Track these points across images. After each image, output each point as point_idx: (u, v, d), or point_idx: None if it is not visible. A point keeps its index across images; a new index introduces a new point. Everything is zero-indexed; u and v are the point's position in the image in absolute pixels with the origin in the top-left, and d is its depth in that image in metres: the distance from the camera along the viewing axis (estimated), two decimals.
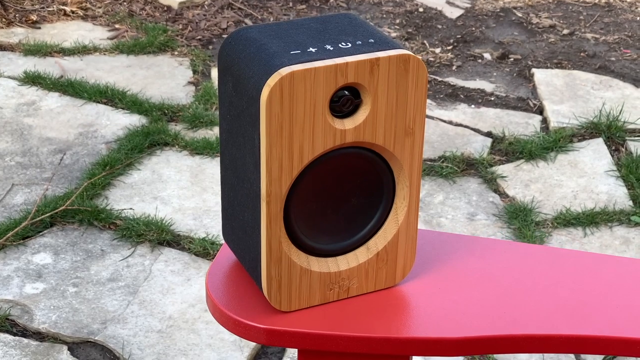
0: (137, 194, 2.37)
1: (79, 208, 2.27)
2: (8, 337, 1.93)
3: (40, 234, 2.23)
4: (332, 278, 0.95)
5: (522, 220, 2.30)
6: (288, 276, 0.93)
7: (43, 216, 2.24)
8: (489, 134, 2.67)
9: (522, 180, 2.47)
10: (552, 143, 2.58)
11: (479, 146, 2.60)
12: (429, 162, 2.52)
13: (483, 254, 1.04)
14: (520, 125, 2.72)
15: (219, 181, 2.42)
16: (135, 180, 2.42)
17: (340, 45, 0.89)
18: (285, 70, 0.85)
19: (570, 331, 0.92)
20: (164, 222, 2.24)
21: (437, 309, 0.96)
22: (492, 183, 2.45)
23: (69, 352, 1.90)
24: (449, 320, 0.94)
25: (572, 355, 1.92)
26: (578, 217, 2.32)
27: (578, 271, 1.01)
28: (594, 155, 2.57)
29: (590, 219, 2.32)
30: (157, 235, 2.20)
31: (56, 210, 2.25)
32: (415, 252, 0.97)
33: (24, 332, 1.96)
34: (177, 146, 2.56)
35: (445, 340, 0.92)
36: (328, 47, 0.89)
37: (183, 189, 2.39)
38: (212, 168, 2.47)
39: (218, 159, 2.51)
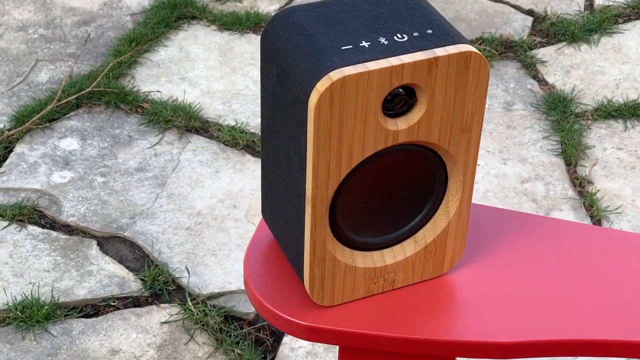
0: (164, 74, 2.30)
1: (105, 90, 2.21)
2: (37, 230, 1.92)
3: (67, 116, 2.18)
4: (377, 272, 0.91)
5: (561, 112, 2.23)
6: (332, 274, 0.88)
7: (69, 98, 2.18)
8: (530, 12, 2.55)
9: (562, 66, 2.37)
10: (596, 25, 2.47)
11: (519, 26, 2.49)
12: None
13: (538, 235, 0.98)
14: (564, 2, 2.59)
15: (248, 61, 2.34)
16: (162, 57, 2.35)
17: (395, 37, 0.81)
18: (336, 75, 0.77)
19: (633, 337, 0.88)
20: (192, 107, 2.19)
21: (486, 306, 0.91)
22: (531, 68, 2.36)
23: (98, 247, 1.89)
24: (497, 321, 0.90)
25: None
26: (619, 108, 2.25)
27: None
28: (639, 39, 2.46)
29: (632, 111, 2.24)
30: (185, 121, 2.15)
31: (82, 92, 2.19)
32: (465, 242, 0.92)
33: (52, 224, 1.94)
34: (205, 20, 2.47)
35: (493, 344, 0.88)
36: (382, 40, 0.81)
37: (211, 69, 2.32)
38: (241, 46, 2.39)
39: (247, 36, 2.43)
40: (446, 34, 0.82)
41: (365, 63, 0.78)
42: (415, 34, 0.82)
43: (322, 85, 0.77)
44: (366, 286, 0.91)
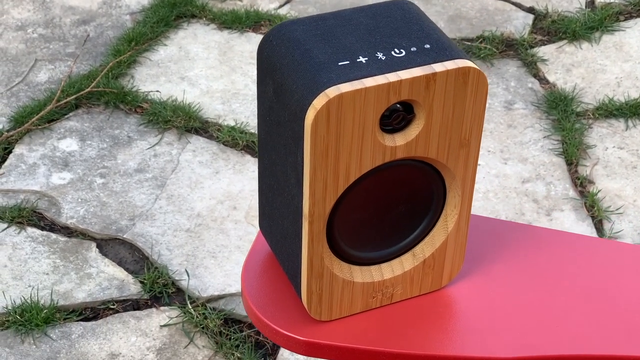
0: (164, 74, 2.29)
1: (105, 90, 2.20)
2: (36, 232, 1.91)
3: (66, 116, 2.17)
4: (375, 287, 0.90)
5: (562, 111, 2.22)
6: (329, 289, 0.88)
7: (68, 98, 2.17)
8: (531, 10, 2.54)
9: (563, 64, 2.36)
10: (597, 22, 2.46)
11: (519, 24, 2.48)
12: (467, 43, 2.41)
13: (538, 247, 0.98)
14: None
15: (248, 60, 2.34)
16: (161, 57, 2.34)
17: (393, 52, 0.80)
18: (332, 92, 0.76)
19: (634, 352, 0.88)
20: (191, 107, 2.18)
21: (485, 320, 0.91)
22: (532, 67, 2.35)
23: (97, 249, 1.89)
24: (497, 336, 0.89)
25: None
26: (620, 107, 2.24)
27: None
28: None
29: (634, 110, 2.23)
30: (184, 122, 2.14)
31: (81, 93, 2.18)
32: (464, 255, 0.92)
33: (51, 226, 1.93)
34: (204, 19, 2.46)
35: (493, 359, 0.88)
36: (379, 55, 0.80)
37: (211, 68, 2.31)
38: (240, 45, 2.38)
39: (247, 35, 2.42)
40: (444, 49, 0.81)
41: (362, 79, 0.78)
42: (413, 48, 0.81)
43: (318, 102, 0.77)
44: (364, 301, 0.90)
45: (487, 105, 2.26)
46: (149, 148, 2.10)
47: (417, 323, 0.90)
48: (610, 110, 2.23)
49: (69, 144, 2.11)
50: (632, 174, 2.08)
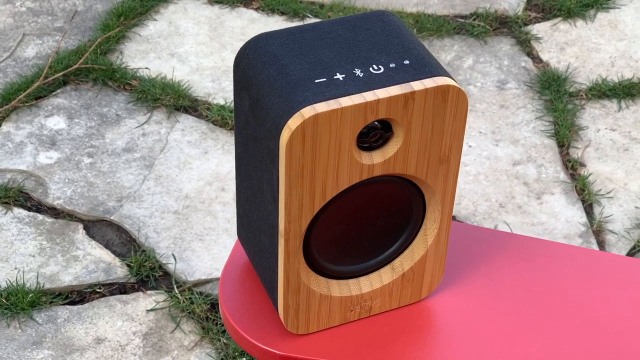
0: (153, 50, 2.26)
1: (93, 66, 2.17)
2: (22, 213, 1.90)
3: (54, 93, 2.15)
4: (353, 300, 0.89)
5: (554, 91, 2.19)
6: (307, 304, 0.87)
7: (56, 75, 2.15)
8: None
9: (557, 43, 2.34)
10: None
11: (514, 1, 2.45)
12: (460, 20, 2.39)
13: (520, 257, 0.96)
14: None
15: (239, 36, 2.31)
16: (151, 32, 2.31)
17: (371, 69, 0.78)
18: (308, 112, 0.75)
19: None
20: (181, 85, 2.16)
21: (464, 332, 0.90)
22: (525, 45, 2.33)
23: (84, 231, 1.87)
24: (475, 349, 0.88)
25: None
26: (614, 88, 2.21)
27: None
28: (636, 15, 2.42)
29: (627, 91, 2.21)
30: (173, 100, 2.12)
31: (70, 69, 2.16)
32: (443, 268, 0.91)
33: (38, 207, 1.92)
34: None
35: None
36: (357, 72, 0.78)
37: (201, 44, 2.28)
38: (231, 20, 2.35)
39: (238, 10, 2.39)
40: (424, 65, 0.79)
41: (339, 99, 0.76)
42: (392, 64, 0.79)
43: (293, 122, 0.75)
44: (342, 314, 0.89)
45: (479, 85, 2.24)
46: (137, 127, 2.08)
47: (396, 337, 0.89)
48: (604, 91, 2.21)
49: (57, 122, 2.09)
50: (623, 156, 2.07)
